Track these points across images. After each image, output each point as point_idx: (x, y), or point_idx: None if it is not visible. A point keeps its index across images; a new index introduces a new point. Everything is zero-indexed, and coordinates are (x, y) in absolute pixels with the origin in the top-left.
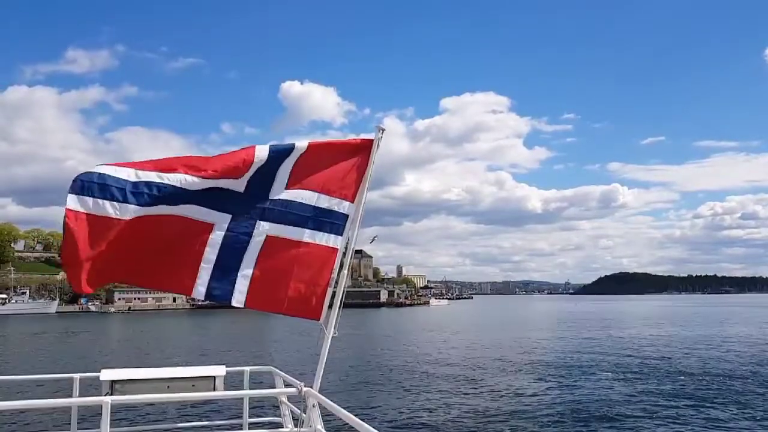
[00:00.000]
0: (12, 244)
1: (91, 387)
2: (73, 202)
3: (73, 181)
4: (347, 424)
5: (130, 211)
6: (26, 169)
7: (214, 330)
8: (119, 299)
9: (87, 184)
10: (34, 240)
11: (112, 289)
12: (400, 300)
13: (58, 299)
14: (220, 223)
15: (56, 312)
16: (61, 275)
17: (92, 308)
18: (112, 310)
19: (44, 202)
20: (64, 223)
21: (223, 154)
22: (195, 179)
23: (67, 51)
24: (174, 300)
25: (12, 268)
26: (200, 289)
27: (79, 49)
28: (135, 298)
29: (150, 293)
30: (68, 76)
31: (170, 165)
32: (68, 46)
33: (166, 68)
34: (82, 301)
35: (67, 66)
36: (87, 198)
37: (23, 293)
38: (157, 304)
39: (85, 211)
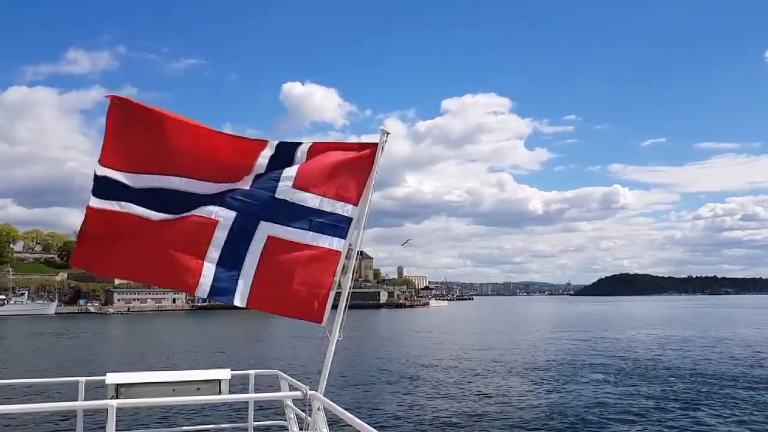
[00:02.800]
0: (11, 245)
1: (97, 390)
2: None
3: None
4: (352, 427)
5: (136, 211)
6: (26, 169)
7: (215, 331)
8: (118, 300)
9: (105, 187)
10: (33, 241)
11: (111, 290)
12: (400, 301)
13: (57, 300)
14: (224, 221)
15: (55, 313)
16: (60, 276)
17: (91, 309)
18: (112, 311)
19: (44, 203)
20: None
21: (232, 138)
22: (201, 182)
23: (68, 52)
24: (173, 301)
25: (11, 269)
26: (203, 288)
27: (80, 50)
28: (134, 299)
29: (149, 294)
30: (69, 77)
31: (178, 162)
32: (69, 46)
33: (168, 69)
34: (81, 301)
35: (67, 66)
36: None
37: (22, 294)
38: (156, 304)
39: (104, 207)
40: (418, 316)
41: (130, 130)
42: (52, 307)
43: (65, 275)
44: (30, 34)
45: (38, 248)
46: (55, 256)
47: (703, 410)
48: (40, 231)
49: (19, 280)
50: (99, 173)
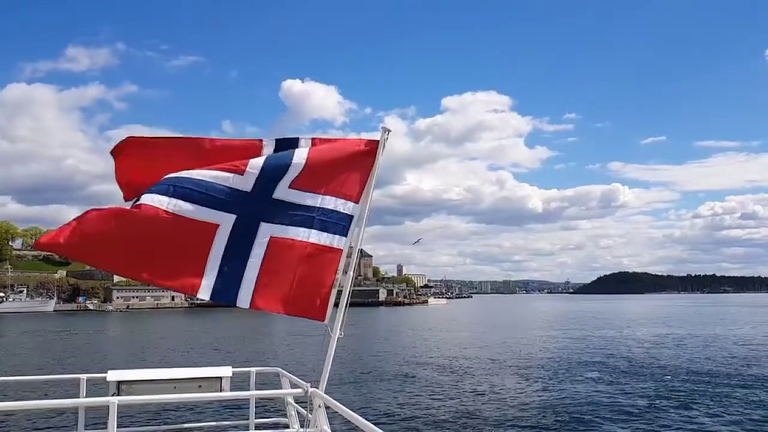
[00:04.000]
0: (10, 243)
1: (98, 387)
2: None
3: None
4: (353, 424)
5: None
6: (26, 167)
7: (215, 329)
8: (117, 298)
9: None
10: (31, 238)
11: (110, 288)
12: (399, 299)
13: (56, 297)
14: (225, 224)
15: (54, 310)
16: (59, 273)
17: (90, 306)
18: (111, 308)
19: (44, 201)
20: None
21: (229, 141)
22: (201, 171)
23: (67, 49)
24: (173, 299)
25: (9, 266)
26: (206, 290)
27: (79, 47)
28: (133, 297)
29: (148, 292)
30: (68, 74)
31: (179, 159)
32: (68, 43)
33: (167, 66)
34: (80, 299)
35: (66, 64)
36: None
37: (21, 291)
38: (155, 302)
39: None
40: (417, 314)
41: (134, 167)
42: (50, 305)
43: (64, 273)
44: (29, 31)
45: None
46: (54, 254)
47: (698, 409)
48: (38, 228)
49: (18, 277)
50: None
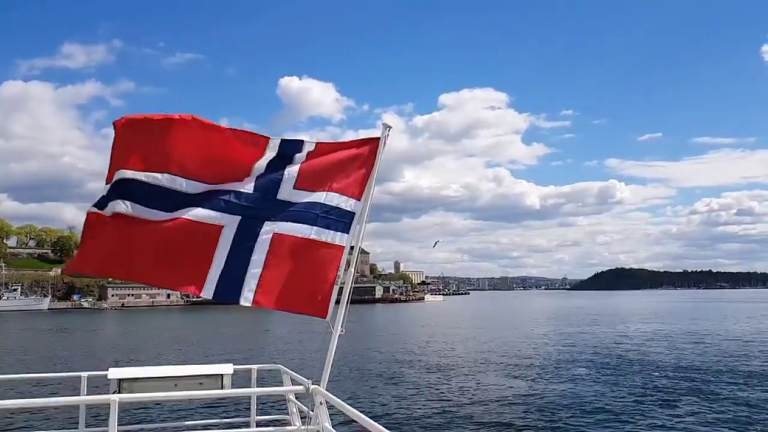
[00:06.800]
0: (4, 240)
1: (99, 385)
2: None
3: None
4: (354, 421)
5: (142, 213)
6: (22, 164)
7: (213, 327)
8: (113, 296)
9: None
10: (26, 236)
11: (105, 286)
12: (396, 296)
13: (50, 295)
14: (230, 225)
15: (48, 308)
16: (54, 271)
17: (85, 305)
18: (105, 306)
19: (40, 198)
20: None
21: (236, 137)
22: (205, 185)
23: (64, 46)
24: (168, 296)
25: (4, 264)
26: (209, 289)
27: (76, 44)
28: (128, 295)
29: (144, 289)
30: (64, 71)
31: (182, 162)
32: (64, 40)
33: (164, 63)
34: (75, 297)
35: (63, 61)
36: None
37: (15, 290)
38: (151, 300)
39: (105, 213)
40: (413, 312)
41: (134, 142)
42: (45, 303)
43: (59, 270)
44: (26, 28)
45: (32, 243)
46: (49, 251)
47: (684, 406)
48: (33, 226)
49: (12, 275)
50: (105, 192)
